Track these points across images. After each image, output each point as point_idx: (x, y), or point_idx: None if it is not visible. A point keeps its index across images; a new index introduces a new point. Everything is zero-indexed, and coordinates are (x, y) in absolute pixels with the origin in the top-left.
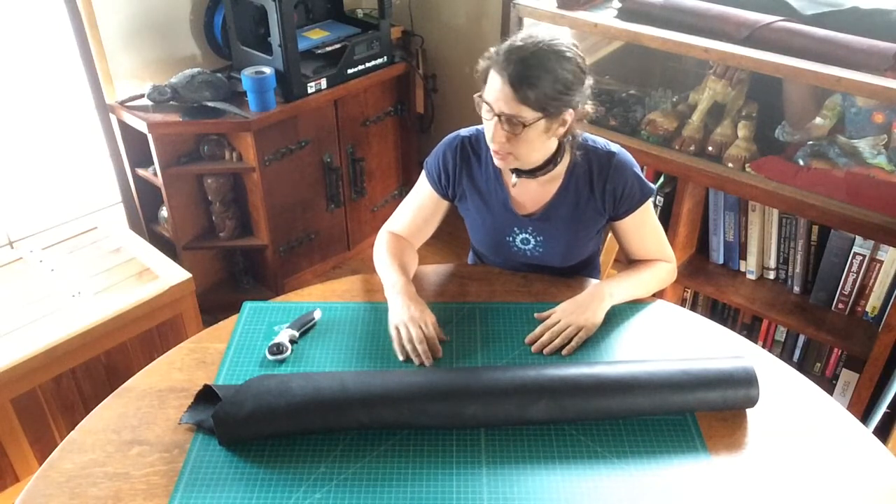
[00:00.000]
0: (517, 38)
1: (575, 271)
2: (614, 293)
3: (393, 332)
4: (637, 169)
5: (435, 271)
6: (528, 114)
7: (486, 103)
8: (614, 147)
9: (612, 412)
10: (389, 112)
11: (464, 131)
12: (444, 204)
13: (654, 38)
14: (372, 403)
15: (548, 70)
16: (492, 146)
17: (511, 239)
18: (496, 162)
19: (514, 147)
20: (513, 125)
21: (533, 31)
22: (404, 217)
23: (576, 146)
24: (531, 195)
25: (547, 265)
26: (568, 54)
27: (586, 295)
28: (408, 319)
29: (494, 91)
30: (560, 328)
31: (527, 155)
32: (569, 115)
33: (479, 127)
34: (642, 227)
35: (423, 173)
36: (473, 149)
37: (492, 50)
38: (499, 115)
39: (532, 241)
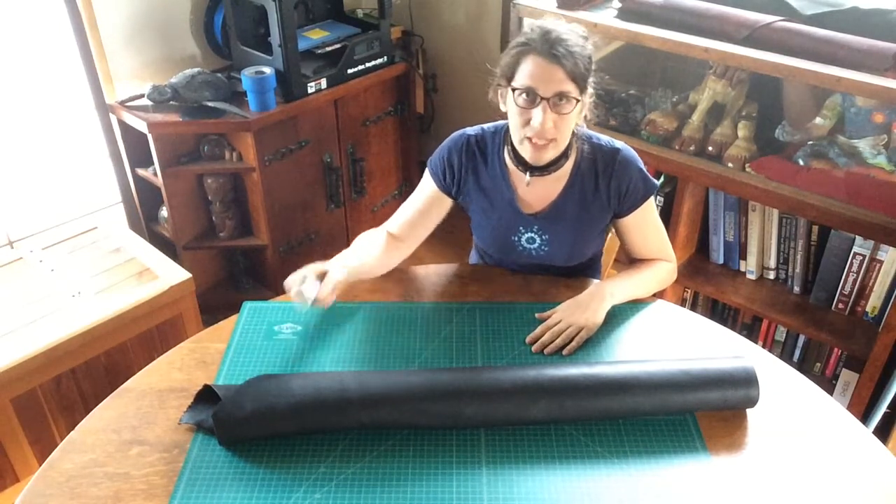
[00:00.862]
0: (543, 25)
1: (576, 271)
2: (615, 293)
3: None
4: (641, 165)
5: (435, 271)
6: (574, 90)
7: (527, 90)
8: (619, 144)
9: (612, 412)
10: (389, 112)
11: (469, 130)
12: (447, 201)
13: (654, 38)
14: (372, 403)
15: (581, 47)
16: (534, 134)
17: (517, 238)
18: (532, 157)
19: (559, 131)
20: (561, 105)
21: (544, 20)
22: (401, 214)
23: (580, 142)
24: (538, 193)
25: (551, 264)
26: (585, 34)
27: (587, 295)
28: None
29: (538, 74)
30: (561, 328)
31: (565, 139)
32: (588, 95)
33: (484, 126)
34: (645, 224)
35: (427, 171)
36: (479, 148)
37: (521, 39)
38: (547, 99)
39: (538, 240)
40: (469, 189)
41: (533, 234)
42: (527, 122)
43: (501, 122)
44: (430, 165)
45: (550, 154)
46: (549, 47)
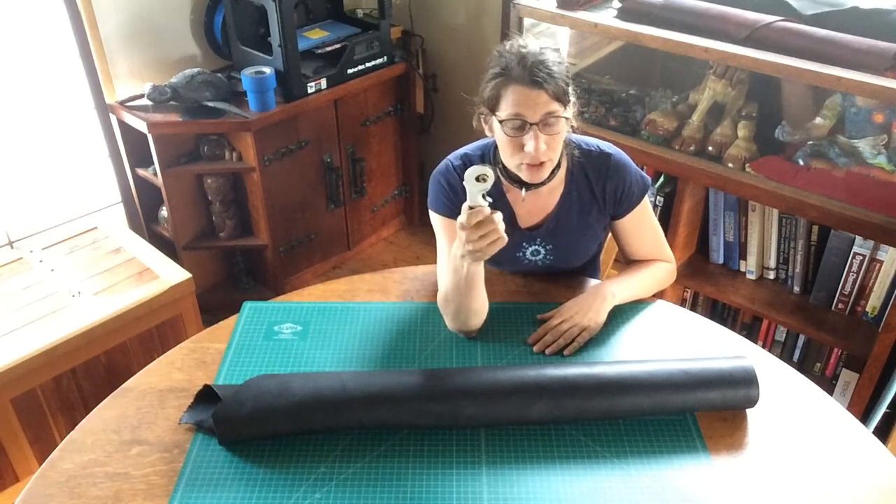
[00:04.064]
0: (513, 48)
1: (576, 271)
2: (616, 293)
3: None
4: (634, 167)
5: (435, 271)
6: (560, 109)
7: (514, 119)
8: (608, 147)
9: (612, 412)
10: (389, 112)
11: (452, 160)
12: None
13: (654, 38)
14: (372, 403)
15: (558, 63)
16: (529, 159)
17: (521, 254)
18: (529, 178)
19: (552, 151)
20: (551, 126)
21: (513, 41)
22: (442, 269)
23: (569, 148)
24: (535, 206)
25: (557, 269)
26: (557, 48)
27: (588, 295)
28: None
29: (523, 101)
30: (563, 328)
31: (558, 155)
32: (571, 106)
33: (466, 151)
34: (641, 225)
35: (432, 215)
36: None
37: (498, 68)
38: (536, 123)
39: (542, 252)
40: None
41: (537, 247)
42: (519, 149)
43: (483, 141)
44: (431, 205)
45: (546, 172)
46: (529, 74)
